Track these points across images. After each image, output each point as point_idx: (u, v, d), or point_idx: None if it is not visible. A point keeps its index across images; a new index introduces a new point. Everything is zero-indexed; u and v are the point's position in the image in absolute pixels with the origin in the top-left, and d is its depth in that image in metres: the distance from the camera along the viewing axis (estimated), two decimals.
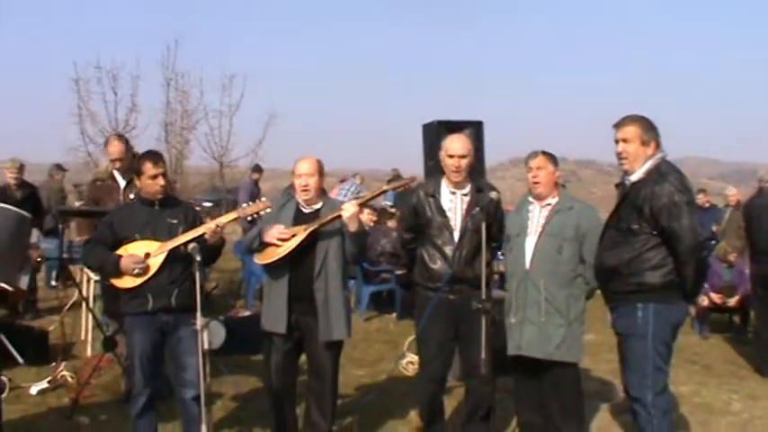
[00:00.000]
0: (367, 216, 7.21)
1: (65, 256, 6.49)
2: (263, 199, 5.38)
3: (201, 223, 5.17)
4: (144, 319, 5.06)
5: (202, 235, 5.03)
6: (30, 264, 5.04)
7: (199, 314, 4.77)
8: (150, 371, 5.10)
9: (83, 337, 8.29)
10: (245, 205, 5.30)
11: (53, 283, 10.74)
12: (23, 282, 4.99)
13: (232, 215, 5.23)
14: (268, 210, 5.23)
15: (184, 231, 5.07)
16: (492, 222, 5.25)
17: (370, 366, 8.12)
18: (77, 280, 7.68)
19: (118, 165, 6.79)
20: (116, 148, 6.88)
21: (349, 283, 11.05)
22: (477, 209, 5.16)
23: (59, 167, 14.77)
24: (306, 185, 5.29)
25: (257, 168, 17.93)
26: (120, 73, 21.24)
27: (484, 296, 5.00)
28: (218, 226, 5.02)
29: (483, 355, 4.89)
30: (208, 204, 20.33)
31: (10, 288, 4.86)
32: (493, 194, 5.28)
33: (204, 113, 23.19)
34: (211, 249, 5.16)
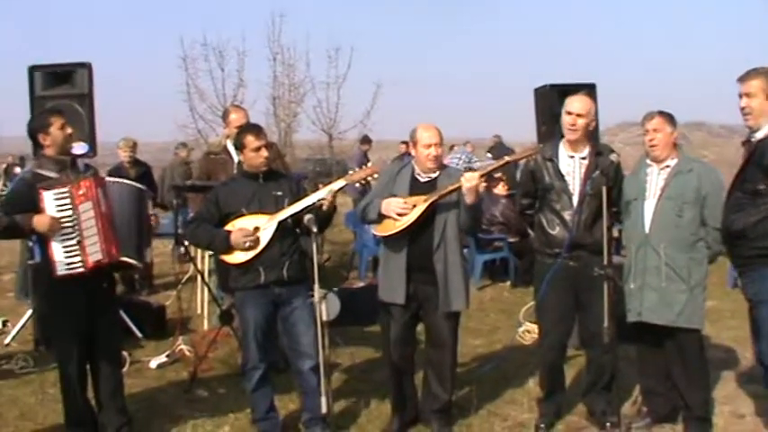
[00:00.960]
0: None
1: (180, 231, 6.51)
2: (370, 163, 5.25)
3: (306, 195, 5.11)
4: (256, 292, 5.04)
5: (312, 205, 4.96)
6: (151, 236, 5.04)
7: (317, 286, 4.70)
8: (264, 344, 5.08)
9: (199, 312, 8.39)
10: (351, 172, 5.18)
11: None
12: (148, 254, 5.01)
13: (341, 182, 5.12)
14: (375, 175, 5.11)
15: (290, 204, 5.02)
16: (612, 186, 5.00)
17: (487, 336, 7.95)
18: (192, 255, 7.74)
19: None
20: (239, 114, 6.87)
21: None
22: (597, 172, 4.94)
23: (183, 145, 15.08)
24: (436, 155, 5.13)
25: (366, 139, 17.86)
26: (227, 49, 21.46)
27: (606, 262, 4.78)
28: (330, 193, 4.99)
29: (606, 323, 4.70)
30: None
31: (136, 263, 4.88)
32: (613, 157, 5.05)
33: (311, 86, 23.20)
34: (324, 218, 5.10)
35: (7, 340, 7.57)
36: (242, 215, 5.04)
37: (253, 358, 5.09)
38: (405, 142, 14.21)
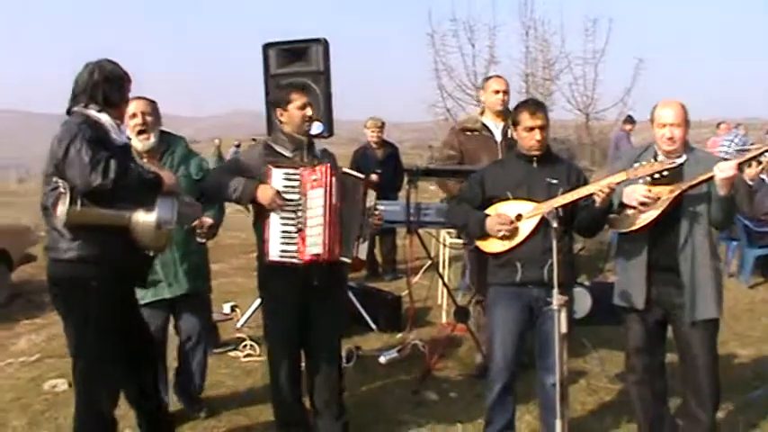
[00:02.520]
0: (754, 170, 5.99)
1: (412, 219, 6.00)
2: (660, 157, 4.33)
3: (586, 184, 4.37)
4: (511, 291, 4.41)
5: (585, 197, 4.26)
6: (369, 231, 4.57)
7: (555, 291, 3.92)
8: (512, 352, 4.43)
9: (438, 302, 7.91)
10: (637, 165, 4.30)
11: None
12: (362, 251, 4.55)
13: (621, 175, 4.29)
14: (665, 171, 4.24)
15: (564, 193, 4.31)
16: None
17: (756, 345, 6.85)
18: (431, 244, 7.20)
19: (499, 106, 6.10)
20: (498, 80, 6.22)
21: (731, 246, 9.77)
22: None
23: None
24: (671, 137, 4.25)
25: (629, 119, 16.56)
26: (477, 24, 20.90)
27: None
28: (607, 187, 4.18)
29: None
30: None
31: (348, 261, 4.42)
32: None
33: (567, 62, 22.12)
34: (594, 217, 4.36)
35: (239, 324, 7.44)
36: (506, 200, 4.43)
37: (496, 365, 4.46)
38: None
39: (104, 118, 3.93)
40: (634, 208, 4.28)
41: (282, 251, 4.32)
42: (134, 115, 4.72)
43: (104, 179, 3.64)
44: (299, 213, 4.32)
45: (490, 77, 6.36)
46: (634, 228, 4.30)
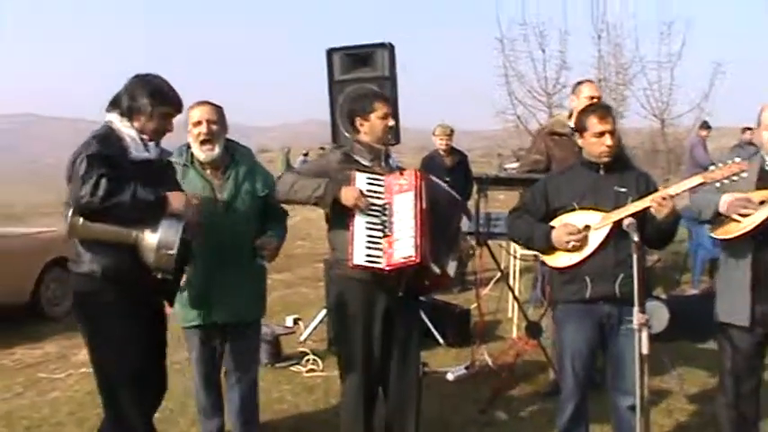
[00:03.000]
0: None
1: (481, 229, 5.74)
2: (737, 159, 4.01)
3: (656, 191, 4.06)
4: (580, 308, 4.12)
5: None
6: (458, 251, 4.34)
7: (636, 309, 3.63)
8: (583, 373, 4.15)
9: (509, 315, 7.62)
10: (713, 168, 3.99)
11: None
12: (451, 268, 4.29)
13: (697, 179, 3.99)
14: (744, 174, 3.93)
15: (634, 202, 4.02)
16: None
17: None
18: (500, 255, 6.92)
19: None
20: (592, 86, 5.92)
21: None
22: None
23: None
24: None
25: (705, 125, 16.01)
26: (548, 28, 20.44)
27: None
28: (668, 197, 3.90)
29: None
30: None
31: (438, 270, 4.16)
32: None
33: (641, 66, 21.49)
34: (660, 228, 4.04)
35: (302, 337, 7.25)
36: (572, 210, 4.16)
37: (567, 387, 4.20)
38: (747, 128, 12.46)
39: (126, 131, 3.81)
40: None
41: (369, 255, 4.07)
42: (198, 123, 4.37)
43: (92, 197, 3.54)
44: (385, 218, 4.09)
45: (582, 82, 6.01)
46: (734, 235, 4.00)
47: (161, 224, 3.68)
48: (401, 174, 4.17)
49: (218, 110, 4.46)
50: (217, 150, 4.40)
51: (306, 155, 25.92)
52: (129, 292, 3.79)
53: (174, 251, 3.66)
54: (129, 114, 3.83)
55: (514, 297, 6.53)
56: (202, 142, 4.37)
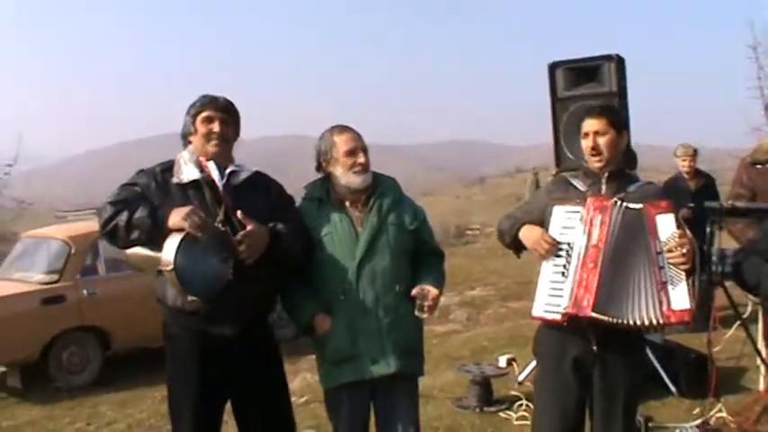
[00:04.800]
0: None
1: (715, 268, 4.94)
2: None
3: None
4: None
5: None
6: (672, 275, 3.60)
7: None
8: None
9: (757, 363, 6.63)
10: None
11: None
12: (685, 298, 3.54)
13: None
14: None
15: None
16: None
17: None
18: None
19: None
20: None
21: None
22: None
23: None
24: None
25: None
26: None
27: None
28: None
29: None
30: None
31: (607, 318, 3.45)
32: None
33: None
34: None
35: (520, 378, 6.64)
36: None
37: None
38: None
39: (181, 155, 3.65)
40: None
41: (547, 305, 3.57)
42: (352, 152, 3.82)
43: (100, 224, 3.53)
44: (570, 257, 3.56)
45: None
46: None
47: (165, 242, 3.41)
48: (596, 203, 3.58)
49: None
50: (370, 176, 3.89)
51: (555, 175, 25.08)
52: (180, 324, 3.60)
53: (170, 267, 3.32)
54: (184, 140, 3.68)
55: (754, 345, 5.58)
56: (357, 173, 3.83)
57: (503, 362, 7.16)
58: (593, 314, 3.45)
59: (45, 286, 8.48)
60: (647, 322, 3.45)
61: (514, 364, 7.05)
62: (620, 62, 5.97)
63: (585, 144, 3.70)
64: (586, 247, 3.51)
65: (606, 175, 3.70)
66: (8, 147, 15.13)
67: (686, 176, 9.01)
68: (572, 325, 3.53)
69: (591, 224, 3.53)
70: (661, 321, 3.43)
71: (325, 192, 3.91)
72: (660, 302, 3.44)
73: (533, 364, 6.44)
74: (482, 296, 12.26)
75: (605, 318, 3.44)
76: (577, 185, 3.75)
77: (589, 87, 6.08)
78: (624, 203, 3.55)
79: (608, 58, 5.99)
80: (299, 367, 7.57)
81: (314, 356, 3.93)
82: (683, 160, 9.05)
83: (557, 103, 6.18)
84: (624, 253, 3.50)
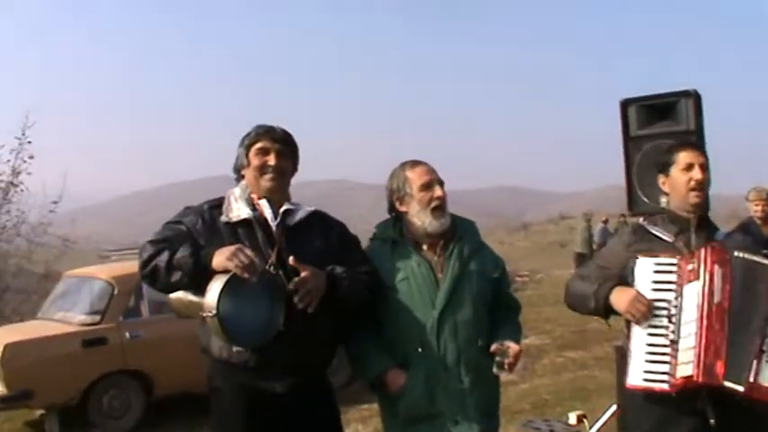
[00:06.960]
0: None
1: None
2: None
3: None
4: None
5: None
6: None
7: None
8: None
9: None
10: None
11: None
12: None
13: None
14: None
15: None
16: None
17: None
18: None
19: None
20: None
21: None
22: None
23: None
24: None
25: None
26: None
27: None
28: None
29: None
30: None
31: (739, 388, 3.03)
32: None
33: None
34: None
35: None
36: None
37: None
38: None
39: (234, 189, 3.37)
40: None
41: (647, 372, 3.15)
42: (428, 186, 3.50)
43: (139, 265, 3.22)
44: (674, 319, 3.13)
45: None
46: None
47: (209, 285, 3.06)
48: (692, 255, 3.17)
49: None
50: (449, 219, 3.54)
51: (605, 222, 24.51)
52: (234, 377, 3.25)
53: (213, 313, 2.97)
54: (237, 174, 3.40)
55: None
56: (435, 209, 3.48)
57: (573, 419, 6.76)
58: (728, 383, 3.03)
59: (86, 327, 8.23)
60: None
61: (585, 421, 6.61)
62: (697, 98, 5.58)
63: (687, 177, 3.31)
64: (709, 306, 3.08)
65: (695, 221, 3.31)
66: (54, 184, 15.12)
67: (759, 222, 8.52)
68: (683, 397, 3.10)
69: (711, 280, 3.10)
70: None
71: (398, 233, 3.57)
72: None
73: (604, 418, 6.03)
74: (537, 345, 11.78)
75: (735, 386, 3.02)
76: (661, 236, 3.34)
77: (664, 126, 5.66)
78: (744, 255, 3.14)
79: (685, 93, 5.58)
80: (350, 417, 7.17)
81: (365, 406, 3.57)
82: (756, 204, 8.53)
83: (629, 142, 5.75)
84: (746, 314, 3.09)
